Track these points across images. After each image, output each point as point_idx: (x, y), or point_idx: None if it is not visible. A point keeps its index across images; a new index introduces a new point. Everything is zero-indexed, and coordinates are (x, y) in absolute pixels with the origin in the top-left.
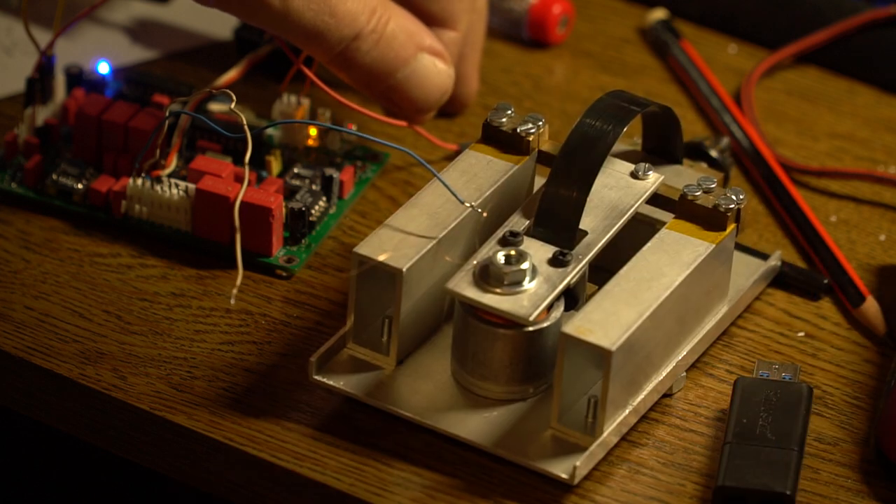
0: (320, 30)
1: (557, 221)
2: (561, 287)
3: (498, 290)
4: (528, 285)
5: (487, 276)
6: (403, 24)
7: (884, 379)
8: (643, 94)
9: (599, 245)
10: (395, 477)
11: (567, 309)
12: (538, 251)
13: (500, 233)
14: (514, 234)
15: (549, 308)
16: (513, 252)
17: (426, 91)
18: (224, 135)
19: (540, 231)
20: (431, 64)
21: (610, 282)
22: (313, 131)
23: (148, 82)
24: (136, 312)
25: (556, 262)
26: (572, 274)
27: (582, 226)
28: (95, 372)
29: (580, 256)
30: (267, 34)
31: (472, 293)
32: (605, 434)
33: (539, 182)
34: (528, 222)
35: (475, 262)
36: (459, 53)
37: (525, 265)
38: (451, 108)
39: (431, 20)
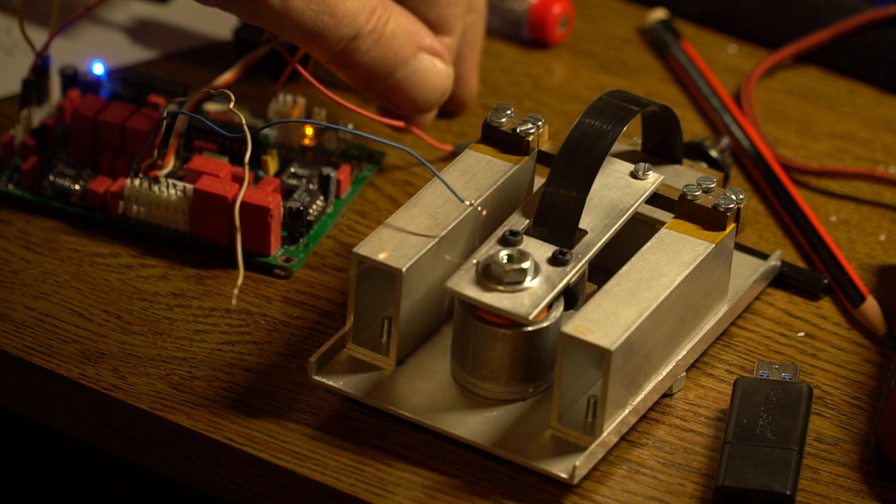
0: (320, 30)
1: (557, 221)
2: (560, 286)
3: (498, 289)
4: (529, 284)
5: (488, 275)
6: (403, 24)
7: (884, 379)
8: (643, 94)
9: (599, 244)
10: (395, 477)
11: (566, 308)
12: (538, 250)
13: (499, 232)
14: (513, 233)
15: (549, 307)
16: (515, 251)
17: (425, 91)
18: (222, 135)
19: (539, 230)
20: (431, 64)
21: (609, 281)
22: (309, 130)
23: (143, 83)
24: (136, 312)
25: (556, 261)
26: (572, 273)
27: (581, 225)
28: (95, 372)
29: (580, 256)
30: (266, 34)
31: (473, 292)
32: (604, 434)
33: (539, 182)
34: (527, 221)
35: (475, 262)
36: (456, 57)
37: (526, 264)
38: (451, 109)
39: (426, 26)
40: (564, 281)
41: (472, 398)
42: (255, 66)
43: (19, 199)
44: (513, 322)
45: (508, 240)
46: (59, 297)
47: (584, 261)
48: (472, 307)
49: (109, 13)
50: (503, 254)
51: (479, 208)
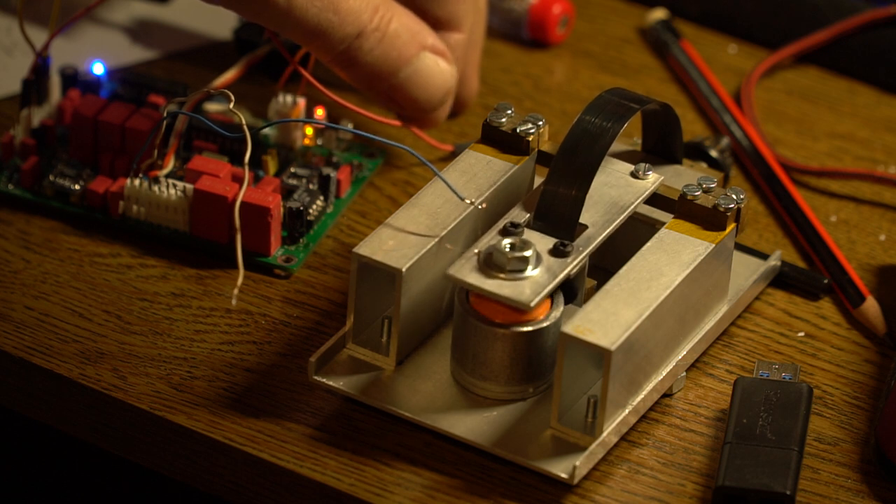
0: (323, 28)
1: (556, 218)
2: (562, 276)
3: (500, 277)
4: (530, 273)
5: (490, 263)
6: (406, 23)
7: (884, 379)
8: (643, 94)
9: (600, 238)
10: (395, 477)
11: (566, 302)
12: (539, 241)
13: (501, 223)
14: (514, 224)
15: (550, 306)
16: (517, 240)
17: (429, 90)
18: (221, 134)
19: (539, 226)
20: (434, 63)
21: (610, 281)
22: (309, 130)
23: (143, 83)
24: (136, 312)
25: (557, 252)
26: (573, 264)
27: (582, 220)
28: (95, 372)
29: (581, 248)
30: (266, 34)
31: (474, 279)
32: (604, 434)
33: (539, 182)
34: (527, 216)
35: (476, 250)
36: (464, 54)
37: (529, 252)
38: (451, 109)
39: (436, 23)
40: (566, 271)
41: (472, 398)
42: (255, 66)
43: (19, 199)
44: (512, 322)
45: (510, 231)
46: (59, 297)
47: (585, 252)
48: (473, 308)
49: (109, 13)
50: (506, 242)
51: (480, 206)
